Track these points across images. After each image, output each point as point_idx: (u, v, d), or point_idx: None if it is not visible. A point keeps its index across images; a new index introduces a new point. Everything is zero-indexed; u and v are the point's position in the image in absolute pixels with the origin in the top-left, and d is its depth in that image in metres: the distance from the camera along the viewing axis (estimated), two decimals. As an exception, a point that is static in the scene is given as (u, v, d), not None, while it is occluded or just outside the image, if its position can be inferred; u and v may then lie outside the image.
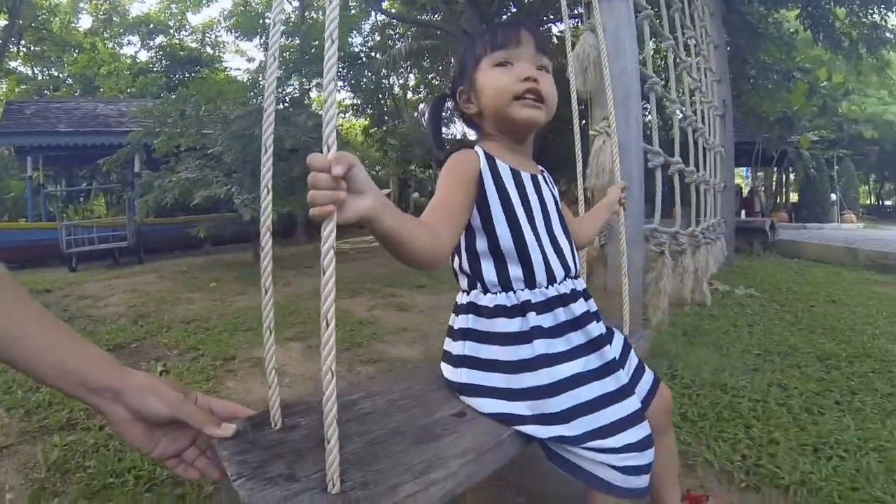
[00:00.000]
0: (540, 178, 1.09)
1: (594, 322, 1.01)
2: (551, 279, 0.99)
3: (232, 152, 6.49)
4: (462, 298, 1.03)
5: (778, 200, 17.78)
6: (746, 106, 10.31)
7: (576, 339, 0.96)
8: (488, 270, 0.98)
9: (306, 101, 11.26)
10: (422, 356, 3.08)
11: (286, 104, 9.12)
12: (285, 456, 0.74)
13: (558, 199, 1.14)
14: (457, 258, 1.03)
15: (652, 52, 3.34)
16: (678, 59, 3.49)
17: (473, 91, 1.05)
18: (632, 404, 0.94)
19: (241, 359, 3.02)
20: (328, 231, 0.62)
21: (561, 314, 0.97)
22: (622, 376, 0.97)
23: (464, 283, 1.03)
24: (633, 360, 1.13)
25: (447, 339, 1.05)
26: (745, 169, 19.62)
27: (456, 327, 1.02)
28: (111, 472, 1.72)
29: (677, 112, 3.21)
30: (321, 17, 14.68)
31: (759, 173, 19.21)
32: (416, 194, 19.50)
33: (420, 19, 11.91)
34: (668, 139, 3.76)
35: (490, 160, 1.00)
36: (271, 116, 0.78)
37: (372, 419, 0.88)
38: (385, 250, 0.77)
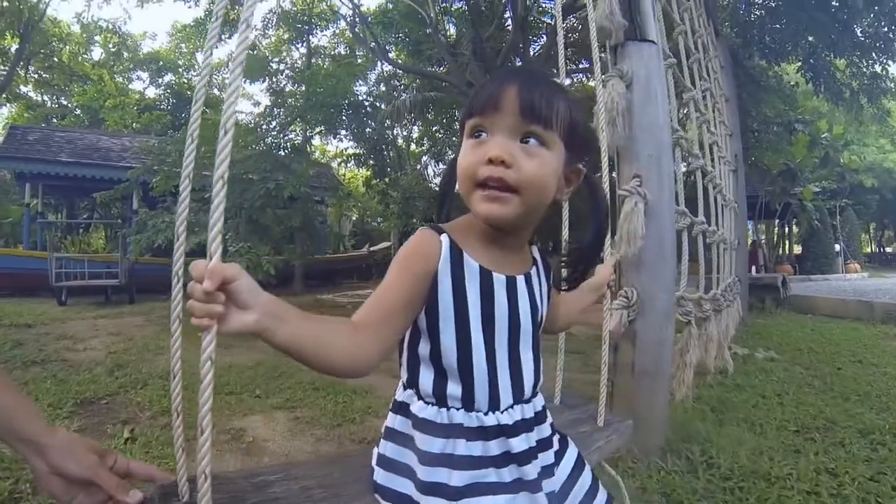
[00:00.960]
0: (520, 279, 0.88)
1: (536, 459, 0.87)
2: (494, 405, 0.84)
3: (229, 198, 6.26)
4: (398, 393, 0.90)
5: (780, 253, 17.66)
6: (749, 159, 10.30)
7: (507, 475, 0.83)
8: (425, 379, 0.84)
9: (309, 148, 11.23)
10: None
11: (287, 150, 9.02)
12: (181, 531, 0.73)
13: (545, 296, 0.94)
14: (398, 352, 0.89)
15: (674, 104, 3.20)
16: (699, 112, 3.34)
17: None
18: None
19: (219, 429, 2.72)
20: (206, 342, 0.62)
21: (494, 447, 0.83)
22: None
23: (403, 377, 0.90)
24: (582, 485, 0.98)
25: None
26: (748, 222, 19.60)
27: (386, 423, 0.92)
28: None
29: (700, 169, 3.03)
30: (327, 65, 14.96)
31: (759, 226, 19.20)
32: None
33: (426, 70, 11.96)
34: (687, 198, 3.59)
35: (455, 254, 0.81)
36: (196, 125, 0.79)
37: None
38: None
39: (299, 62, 15.34)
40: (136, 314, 6.86)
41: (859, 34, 8.06)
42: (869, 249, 27.07)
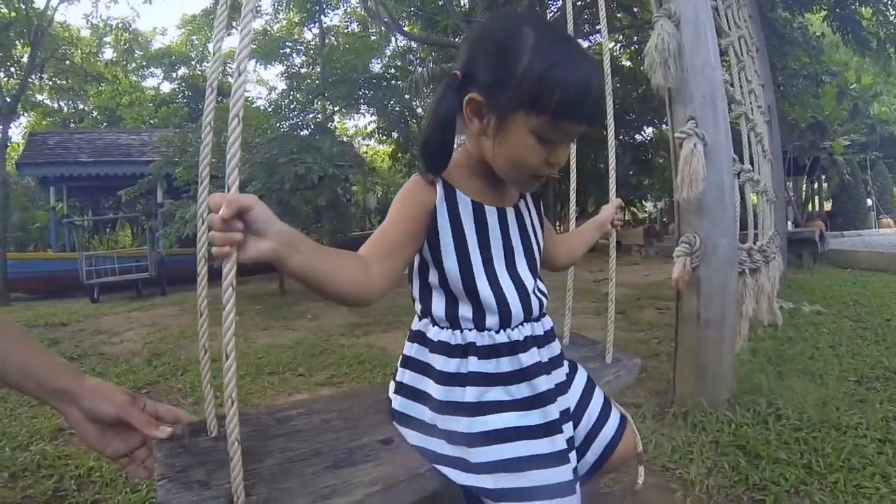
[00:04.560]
0: (510, 210, 0.96)
1: (546, 375, 0.92)
2: (504, 323, 0.90)
3: (258, 181, 6.24)
4: (414, 324, 0.98)
5: (810, 209, 17.20)
6: (777, 113, 9.97)
7: (517, 391, 0.89)
8: (437, 304, 0.92)
9: (330, 126, 11.16)
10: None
11: (311, 129, 8.96)
12: (208, 464, 0.78)
13: (537, 227, 1.02)
14: (410, 285, 0.97)
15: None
16: (738, 58, 3.19)
17: (492, 123, 0.84)
18: (564, 473, 0.85)
19: (264, 410, 2.72)
20: (227, 269, 0.65)
21: (505, 363, 0.89)
22: (559, 441, 0.88)
23: (417, 308, 0.97)
24: (596, 403, 1.05)
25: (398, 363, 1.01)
26: (776, 178, 19.10)
27: (404, 352, 0.98)
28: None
29: (744, 115, 2.89)
30: (341, 43, 14.79)
31: (787, 183, 18.71)
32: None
33: (442, 40, 11.74)
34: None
35: (449, 192, 0.89)
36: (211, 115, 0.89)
37: (300, 437, 0.90)
38: None
39: (313, 44, 15.22)
40: (169, 305, 6.92)
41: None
42: (902, 203, 26.19)
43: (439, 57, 12.98)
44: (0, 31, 9.75)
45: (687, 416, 2.08)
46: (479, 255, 0.89)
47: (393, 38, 14.77)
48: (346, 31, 16.68)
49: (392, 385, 0.99)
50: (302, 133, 8.30)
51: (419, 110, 16.67)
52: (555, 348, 0.98)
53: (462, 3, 11.30)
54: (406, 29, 12.74)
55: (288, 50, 14.18)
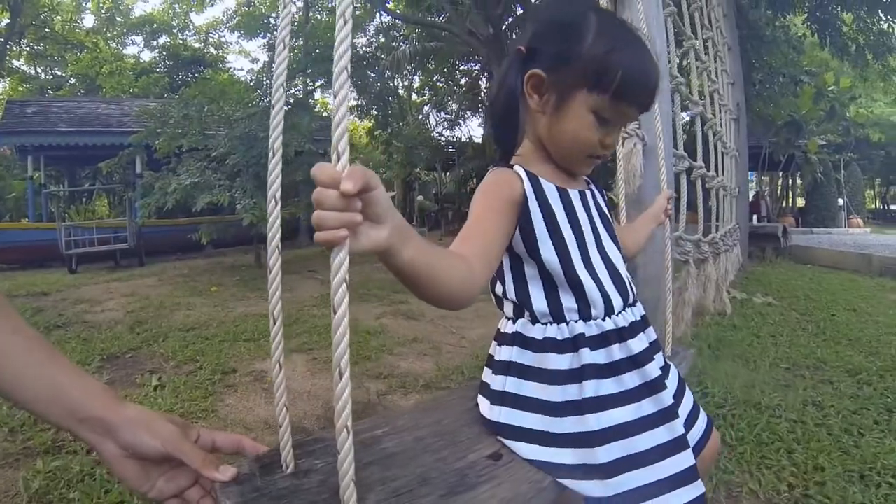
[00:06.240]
0: (587, 193, 0.95)
1: (653, 361, 0.88)
2: (609, 310, 0.87)
3: (237, 155, 6.34)
4: (507, 327, 0.90)
5: (783, 205, 17.62)
6: (753, 110, 10.18)
7: (630, 380, 0.84)
8: (538, 298, 0.86)
9: (310, 102, 11.12)
10: (434, 371, 2.94)
11: (290, 105, 8.98)
12: (294, 510, 0.62)
13: (609, 213, 1.00)
14: (499, 284, 0.91)
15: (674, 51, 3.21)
16: (699, 60, 3.35)
17: (552, 100, 0.85)
18: (685, 459, 0.81)
19: (241, 372, 2.88)
20: (338, 262, 0.50)
21: (616, 351, 0.85)
22: (677, 426, 0.83)
23: (509, 310, 0.90)
24: (687, 401, 1.00)
25: (486, 371, 0.93)
26: (750, 173, 19.46)
27: (497, 359, 0.90)
28: (96, 506, 1.57)
29: (700, 115, 3.07)
30: (325, 18, 14.61)
31: (763, 177, 19.08)
32: (420, 197, 19.35)
33: (425, 20, 11.75)
34: (687, 143, 3.64)
35: (534, 180, 0.86)
36: (280, 117, 0.68)
37: (397, 462, 0.76)
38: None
39: (296, 17, 15.05)
40: (148, 276, 7.00)
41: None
42: (873, 206, 26.82)
43: (422, 35, 12.97)
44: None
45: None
46: (575, 242, 0.87)
47: (378, 15, 14.71)
48: (330, 4, 16.51)
49: (484, 399, 0.91)
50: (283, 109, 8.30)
51: (400, 90, 16.65)
52: (651, 333, 0.94)
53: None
54: (390, 6, 12.68)
55: (272, 22, 14.00)
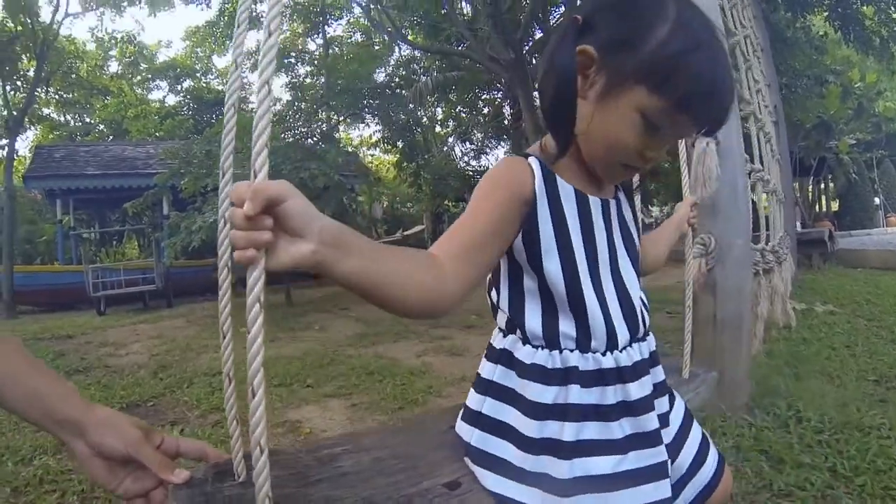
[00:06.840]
0: (612, 202, 0.82)
1: (652, 410, 0.77)
2: (612, 344, 0.75)
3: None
4: (497, 341, 0.81)
5: (817, 210, 17.09)
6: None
7: (619, 429, 0.74)
8: (532, 317, 0.75)
9: (335, 136, 11.21)
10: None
11: (316, 139, 9.00)
12: (237, 516, 0.65)
13: (635, 227, 0.87)
14: (495, 291, 0.81)
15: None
16: (745, 56, 3.16)
17: (599, 86, 0.69)
18: None
19: (273, 422, 2.67)
20: (252, 280, 0.50)
21: (611, 394, 0.74)
22: (665, 486, 0.74)
23: (501, 321, 0.80)
24: (694, 438, 0.89)
25: (472, 387, 0.85)
26: (781, 179, 19.01)
27: (481, 375, 0.82)
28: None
29: (753, 115, 2.87)
30: (345, 52, 14.85)
31: (793, 184, 18.61)
32: (450, 228, 19.24)
33: (446, 49, 11.69)
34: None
35: (549, 178, 0.74)
36: (231, 136, 0.71)
37: (347, 482, 0.76)
38: None
39: (317, 54, 15.34)
40: (176, 317, 6.94)
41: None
42: (908, 202, 25.97)
43: (443, 66, 13.01)
44: (6, 45, 9.80)
45: (705, 421, 2.04)
46: (585, 259, 0.75)
47: (396, 48, 14.86)
48: (349, 40, 16.81)
49: (462, 414, 0.84)
50: (307, 142, 8.32)
51: (424, 120, 16.74)
52: (659, 373, 0.84)
53: (465, 12, 11.32)
54: (409, 38, 12.79)
55: (292, 60, 14.29)
